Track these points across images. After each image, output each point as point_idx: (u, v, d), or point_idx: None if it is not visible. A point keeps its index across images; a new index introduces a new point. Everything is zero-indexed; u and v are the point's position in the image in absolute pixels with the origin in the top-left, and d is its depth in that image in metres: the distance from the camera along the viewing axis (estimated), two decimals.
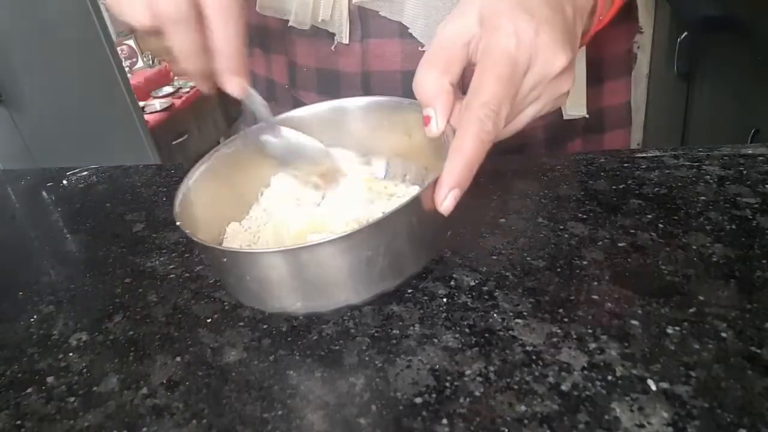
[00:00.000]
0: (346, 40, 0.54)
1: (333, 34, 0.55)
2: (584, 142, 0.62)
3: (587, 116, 0.56)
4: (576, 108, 0.55)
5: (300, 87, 0.62)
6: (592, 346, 0.32)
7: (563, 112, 0.56)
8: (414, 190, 0.43)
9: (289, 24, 0.55)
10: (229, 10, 0.37)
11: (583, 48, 0.52)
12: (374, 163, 0.46)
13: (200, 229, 0.38)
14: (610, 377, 0.30)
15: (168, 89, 3.17)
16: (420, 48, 0.52)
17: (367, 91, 0.57)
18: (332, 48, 0.55)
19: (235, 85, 0.39)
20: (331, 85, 0.58)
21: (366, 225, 0.30)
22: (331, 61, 0.57)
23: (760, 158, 0.49)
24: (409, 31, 0.51)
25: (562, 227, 0.43)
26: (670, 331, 0.33)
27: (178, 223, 0.34)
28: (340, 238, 0.30)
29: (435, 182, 0.32)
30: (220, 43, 0.37)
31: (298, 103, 0.63)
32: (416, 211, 0.32)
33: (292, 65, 0.61)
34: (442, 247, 0.38)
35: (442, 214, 0.33)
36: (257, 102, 0.41)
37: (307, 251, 0.31)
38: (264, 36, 0.62)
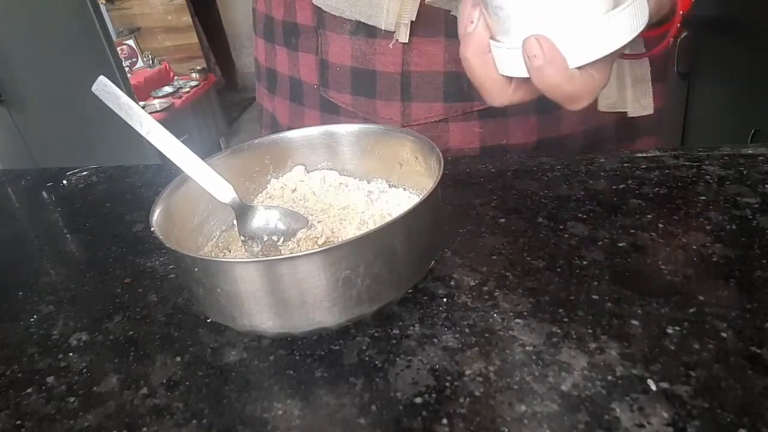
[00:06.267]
0: (406, 39, 0.51)
1: (372, 32, 0.52)
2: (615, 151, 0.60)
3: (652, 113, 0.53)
4: (639, 108, 0.53)
5: (332, 87, 0.59)
6: (592, 346, 0.32)
7: (627, 111, 0.54)
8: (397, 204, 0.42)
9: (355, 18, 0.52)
10: None
11: (641, 44, 0.48)
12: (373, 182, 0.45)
13: (178, 238, 0.37)
14: (610, 377, 0.30)
15: (168, 89, 3.16)
16: None
17: (406, 93, 0.54)
18: (390, 45, 0.53)
19: None
20: (366, 86, 0.56)
21: (345, 241, 0.30)
22: (367, 61, 0.54)
23: (760, 158, 0.49)
24: None
25: (562, 227, 0.43)
26: (670, 331, 0.32)
27: (152, 229, 0.34)
28: (317, 253, 0.30)
29: (418, 206, 0.32)
30: None
31: (327, 105, 0.61)
32: (399, 233, 0.32)
33: (324, 64, 0.58)
34: (425, 273, 0.37)
35: (424, 239, 0.32)
36: None
37: (282, 263, 0.30)
38: (291, 33, 0.60)
